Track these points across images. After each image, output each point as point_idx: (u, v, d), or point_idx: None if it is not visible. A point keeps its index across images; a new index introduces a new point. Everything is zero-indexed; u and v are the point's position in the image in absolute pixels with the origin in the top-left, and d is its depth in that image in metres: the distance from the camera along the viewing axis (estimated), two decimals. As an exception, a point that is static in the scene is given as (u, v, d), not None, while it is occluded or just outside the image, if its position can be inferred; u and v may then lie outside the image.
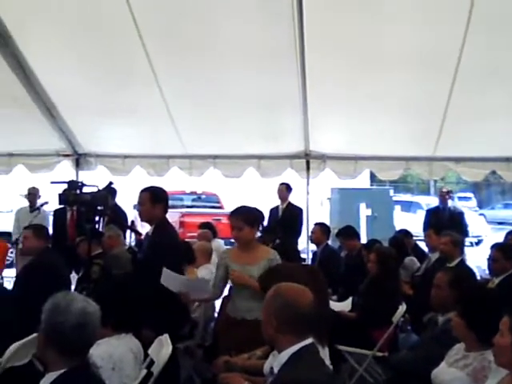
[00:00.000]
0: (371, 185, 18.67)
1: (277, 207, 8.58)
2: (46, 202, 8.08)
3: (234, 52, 6.15)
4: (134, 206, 9.90)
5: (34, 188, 8.58)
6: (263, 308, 2.55)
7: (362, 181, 13.77)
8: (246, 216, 4.27)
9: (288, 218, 8.27)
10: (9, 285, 6.47)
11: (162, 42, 6.20)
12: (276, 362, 2.50)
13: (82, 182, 5.03)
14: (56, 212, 8.10)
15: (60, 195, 6.21)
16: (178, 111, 7.19)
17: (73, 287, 5.74)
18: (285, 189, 8.43)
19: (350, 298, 5.75)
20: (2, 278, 7.32)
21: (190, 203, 15.02)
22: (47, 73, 6.85)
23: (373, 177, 14.01)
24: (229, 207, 14.57)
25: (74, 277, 6.13)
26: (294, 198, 8.58)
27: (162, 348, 3.50)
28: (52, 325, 2.37)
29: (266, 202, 8.29)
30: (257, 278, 4.03)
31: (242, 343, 3.67)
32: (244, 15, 5.66)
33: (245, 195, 12.15)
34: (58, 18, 5.99)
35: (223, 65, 6.27)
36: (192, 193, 15.10)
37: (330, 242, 7.52)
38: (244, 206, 4.41)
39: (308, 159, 8.06)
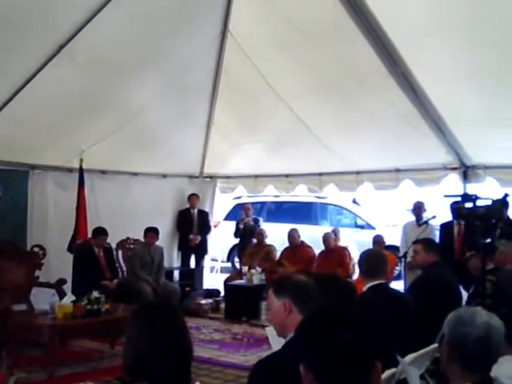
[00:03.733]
0: None
1: None
2: (434, 217, 8.08)
3: None
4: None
5: (419, 202, 8.68)
6: None
7: None
8: None
9: None
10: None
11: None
12: None
13: (475, 195, 4.83)
14: (443, 226, 8.05)
15: (452, 209, 6.13)
16: None
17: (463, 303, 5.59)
18: None
19: None
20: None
21: None
22: (434, 88, 6.89)
23: None
24: None
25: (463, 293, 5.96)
26: None
27: None
28: (456, 336, 2.33)
29: None
30: None
31: None
32: None
33: None
34: (442, 32, 5.97)
35: None
36: None
37: None
38: None
39: None
